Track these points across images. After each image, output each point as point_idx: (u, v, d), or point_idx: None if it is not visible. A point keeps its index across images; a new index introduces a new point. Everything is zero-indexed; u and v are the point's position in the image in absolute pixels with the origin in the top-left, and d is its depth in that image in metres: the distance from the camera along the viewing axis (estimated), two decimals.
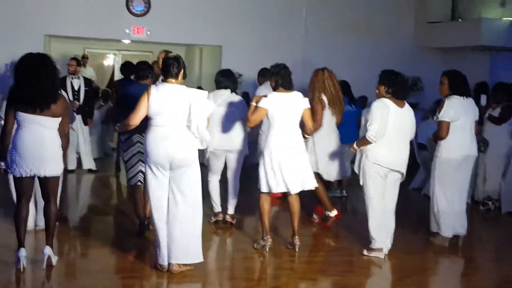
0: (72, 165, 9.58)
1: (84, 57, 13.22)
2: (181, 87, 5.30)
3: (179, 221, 5.23)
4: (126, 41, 12.91)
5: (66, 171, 7.81)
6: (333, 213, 6.92)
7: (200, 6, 12.02)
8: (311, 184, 6.14)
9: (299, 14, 12.51)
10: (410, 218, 7.13)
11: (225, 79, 6.85)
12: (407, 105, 6.05)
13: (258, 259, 5.88)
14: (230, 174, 6.90)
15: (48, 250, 5.24)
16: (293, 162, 5.98)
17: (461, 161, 6.37)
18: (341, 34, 12.50)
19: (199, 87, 12.06)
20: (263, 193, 6.02)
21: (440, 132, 6.33)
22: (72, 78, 9.48)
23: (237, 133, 6.75)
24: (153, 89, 5.27)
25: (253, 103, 6.06)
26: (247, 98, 9.28)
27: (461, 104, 6.34)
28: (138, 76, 6.59)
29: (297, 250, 5.96)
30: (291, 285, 5.30)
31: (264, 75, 8.55)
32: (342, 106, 7.11)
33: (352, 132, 7.23)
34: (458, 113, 6.31)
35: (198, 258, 5.32)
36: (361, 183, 6.01)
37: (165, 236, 5.25)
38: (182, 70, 5.37)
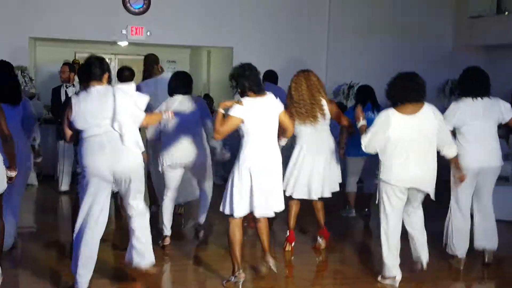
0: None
1: (75, 63, 12.80)
2: (106, 87, 5.25)
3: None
4: (123, 44, 12.54)
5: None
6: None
7: (207, 2, 11.63)
8: (280, 206, 5.86)
9: (321, 13, 12.12)
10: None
11: (178, 82, 6.74)
12: (426, 109, 5.62)
13: None
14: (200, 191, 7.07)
15: None
16: (269, 183, 5.68)
17: (477, 172, 6.09)
18: (366, 35, 12.14)
19: (207, 95, 11.81)
20: (234, 217, 5.62)
21: None
22: (66, 87, 9.17)
23: (196, 145, 6.67)
24: (74, 99, 5.31)
25: (220, 110, 5.68)
26: None
27: (472, 107, 6.04)
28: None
29: (273, 268, 5.77)
30: None
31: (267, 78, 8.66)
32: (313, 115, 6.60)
33: None
34: (466, 117, 6.03)
35: None
36: (376, 201, 5.76)
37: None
38: (107, 74, 5.38)
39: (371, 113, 8.01)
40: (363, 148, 5.73)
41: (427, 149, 5.63)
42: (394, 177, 5.63)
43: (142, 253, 5.54)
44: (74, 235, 5.33)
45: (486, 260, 6.30)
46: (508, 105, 6.25)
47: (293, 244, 6.76)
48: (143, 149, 5.41)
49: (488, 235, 6.28)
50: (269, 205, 5.69)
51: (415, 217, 5.83)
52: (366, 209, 8.44)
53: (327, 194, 6.72)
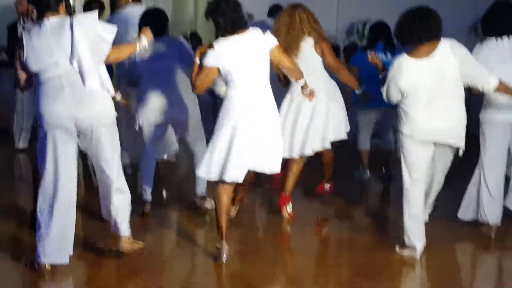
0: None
1: None
2: (62, 18, 4.70)
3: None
4: None
5: None
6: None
7: None
8: (276, 167, 5.16)
9: None
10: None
11: (148, 22, 5.85)
12: (442, 47, 5.07)
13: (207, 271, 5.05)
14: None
15: None
16: (260, 140, 5.01)
17: (510, 124, 5.59)
18: None
19: (194, 34, 11.07)
20: (223, 182, 5.03)
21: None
22: (23, 23, 8.06)
23: (177, 98, 6.00)
24: (25, 36, 4.75)
25: (196, 60, 5.07)
26: None
27: (496, 50, 5.46)
28: None
29: (223, 258, 5.04)
30: None
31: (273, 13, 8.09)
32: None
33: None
34: (490, 62, 5.36)
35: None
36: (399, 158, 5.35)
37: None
38: (64, 3, 4.77)
39: (382, 54, 7.30)
40: (385, 99, 5.24)
41: (451, 95, 5.13)
42: (416, 129, 5.13)
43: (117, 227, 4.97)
44: (38, 207, 4.78)
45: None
46: None
47: (288, 208, 6.10)
48: (112, 92, 4.79)
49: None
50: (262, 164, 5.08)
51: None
52: (384, 169, 7.63)
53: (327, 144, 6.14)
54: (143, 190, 6.15)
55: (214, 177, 5.01)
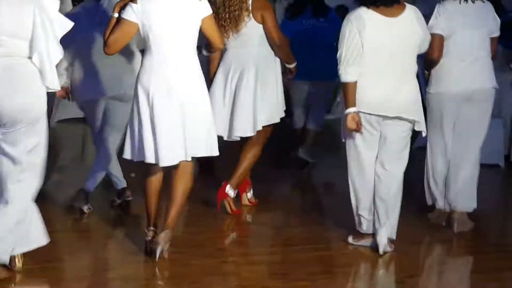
0: None
1: None
2: None
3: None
4: None
5: None
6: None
7: None
8: (213, 150, 4.75)
9: None
10: (412, 192, 5.62)
11: None
12: (408, 12, 4.75)
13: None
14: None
15: None
16: (185, 113, 4.59)
17: (464, 98, 5.24)
18: None
19: None
20: (149, 164, 4.64)
21: (430, 51, 5.10)
22: None
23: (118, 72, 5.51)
24: None
25: (114, 14, 4.60)
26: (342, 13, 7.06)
27: (460, 11, 5.22)
28: None
29: (156, 257, 4.59)
30: None
31: None
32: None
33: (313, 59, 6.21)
34: (454, 24, 5.19)
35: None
36: (342, 139, 4.95)
37: None
38: None
39: (312, 20, 6.96)
40: (343, 78, 4.73)
41: (409, 64, 4.81)
42: (365, 101, 4.73)
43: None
44: None
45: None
46: (499, 20, 5.41)
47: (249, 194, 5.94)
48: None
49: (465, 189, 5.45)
50: (190, 146, 4.61)
51: (389, 179, 4.89)
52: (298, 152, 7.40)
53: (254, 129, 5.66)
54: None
55: (149, 158, 4.56)
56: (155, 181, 4.76)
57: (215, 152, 4.77)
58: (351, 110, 4.73)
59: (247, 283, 4.54)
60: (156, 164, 4.62)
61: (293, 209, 6.13)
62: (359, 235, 5.05)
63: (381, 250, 4.86)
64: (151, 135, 4.56)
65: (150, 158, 4.58)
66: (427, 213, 5.64)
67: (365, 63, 4.71)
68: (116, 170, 5.87)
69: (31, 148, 4.24)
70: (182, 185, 4.71)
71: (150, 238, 4.74)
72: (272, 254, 5.05)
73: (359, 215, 5.00)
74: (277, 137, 6.18)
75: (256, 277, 4.64)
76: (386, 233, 4.87)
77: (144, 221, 4.87)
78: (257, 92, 5.62)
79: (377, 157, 4.90)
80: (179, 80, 4.60)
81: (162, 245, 4.62)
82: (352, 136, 4.86)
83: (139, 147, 4.62)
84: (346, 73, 4.72)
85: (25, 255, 4.40)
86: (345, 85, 4.76)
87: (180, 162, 4.64)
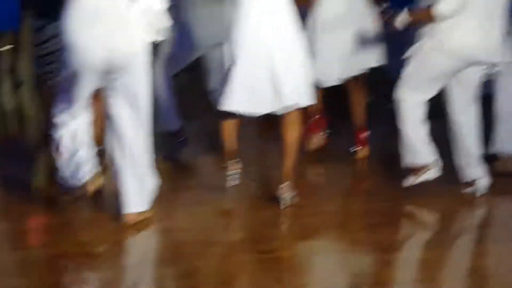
0: None
1: None
2: None
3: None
4: None
5: None
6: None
7: None
8: (307, 98, 4.75)
9: None
10: None
11: None
12: None
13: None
14: None
15: None
16: (277, 61, 4.59)
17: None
18: None
19: None
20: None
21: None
22: None
23: None
24: None
25: None
26: None
27: None
28: None
29: (284, 205, 4.76)
30: (287, 248, 4.43)
31: None
32: None
33: None
34: None
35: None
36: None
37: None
38: None
39: None
40: (443, 14, 4.51)
41: (499, 10, 4.69)
42: (469, 46, 4.64)
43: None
44: None
45: None
46: None
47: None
48: None
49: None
50: (290, 94, 4.62)
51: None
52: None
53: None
54: None
55: (244, 108, 4.63)
56: (233, 124, 4.81)
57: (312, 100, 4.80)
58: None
59: (304, 233, 4.62)
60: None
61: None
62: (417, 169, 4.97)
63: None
64: (241, 82, 4.59)
65: (238, 106, 4.62)
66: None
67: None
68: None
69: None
70: (290, 135, 4.76)
71: (235, 171, 4.86)
72: (330, 206, 5.06)
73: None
74: None
75: (313, 227, 4.70)
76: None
77: None
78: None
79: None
80: (277, 24, 4.60)
81: (286, 195, 4.75)
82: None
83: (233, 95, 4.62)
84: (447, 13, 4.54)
85: None
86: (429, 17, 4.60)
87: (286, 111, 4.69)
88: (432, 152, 4.95)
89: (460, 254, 4.47)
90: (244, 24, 4.58)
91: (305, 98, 4.73)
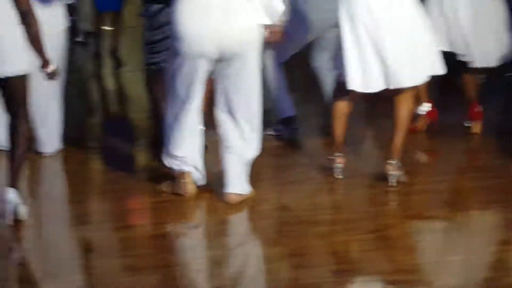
0: None
1: None
2: None
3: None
4: None
5: None
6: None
7: None
8: (436, 68, 4.68)
9: None
10: None
11: None
12: None
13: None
14: None
15: (13, 196, 4.20)
16: (397, 29, 4.52)
17: None
18: None
19: None
20: (338, 84, 4.74)
21: None
22: None
23: None
24: None
25: None
26: None
27: None
28: None
29: (390, 183, 4.68)
30: (395, 227, 4.34)
31: None
32: None
33: None
34: None
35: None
36: None
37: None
38: None
39: None
40: None
41: None
42: None
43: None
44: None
45: None
46: None
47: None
48: None
49: None
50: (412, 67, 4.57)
51: None
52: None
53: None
54: None
55: (375, 86, 4.57)
56: (345, 104, 4.77)
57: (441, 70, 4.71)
58: None
59: (411, 212, 4.53)
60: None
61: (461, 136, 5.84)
62: None
63: None
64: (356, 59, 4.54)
65: (355, 85, 4.56)
66: None
67: None
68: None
69: None
70: (404, 109, 4.71)
71: (339, 164, 4.82)
72: (440, 183, 4.95)
73: None
74: None
75: (421, 206, 4.61)
76: None
77: None
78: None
79: None
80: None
81: (395, 172, 4.68)
82: None
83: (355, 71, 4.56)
84: None
85: None
86: None
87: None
88: None
89: None
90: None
91: (420, 76, 4.68)
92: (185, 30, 4.20)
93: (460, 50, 5.32)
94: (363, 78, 4.55)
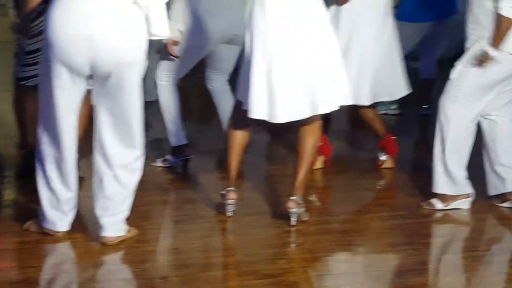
0: None
1: None
2: None
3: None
4: None
5: None
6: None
7: None
8: (345, 98, 4.65)
9: None
10: None
11: None
12: None
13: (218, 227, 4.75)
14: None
15: None
16: (306, 59, 4.46)
17: None
18: None
19: None
20: (237, 110, 4.65)
21: None
22: None
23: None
24: None
25: None
26: None
27: None
28: None
29: (292, 222, 4.55)
30: (296, 270, 4.20)
31: None
32: None
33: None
34: None
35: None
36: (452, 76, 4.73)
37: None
38: None
39: None
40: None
41: None
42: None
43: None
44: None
45: None
46: None
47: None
48: None
49: None
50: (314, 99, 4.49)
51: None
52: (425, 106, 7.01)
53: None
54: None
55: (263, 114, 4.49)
56: (243, 133, 4.68)
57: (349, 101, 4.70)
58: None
59: (313, 255, 4.42)
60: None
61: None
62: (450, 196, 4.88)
63: None
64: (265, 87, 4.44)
65: (260, 114, 4.46)
66: None
67: None
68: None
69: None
70: (309, 142, 4.63)
71: (231, 200, 4.67)
72: (345, 222, 4.91)
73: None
74: None
75: (323, 247, 4.51)
76: None
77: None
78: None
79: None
80: (303, 19, 4.47)
81: (297, 210, 4.56)
82: None
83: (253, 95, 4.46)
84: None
85: None
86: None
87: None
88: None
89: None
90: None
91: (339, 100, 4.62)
92: (54, 38, 3.96)
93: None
94: (269, 106, 4.43)
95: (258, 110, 4.43)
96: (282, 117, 4.47)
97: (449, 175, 4.80)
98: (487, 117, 4.84)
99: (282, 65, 4.41)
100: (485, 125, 4.87)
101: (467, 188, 4.89)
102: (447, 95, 4.75)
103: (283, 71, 4.42)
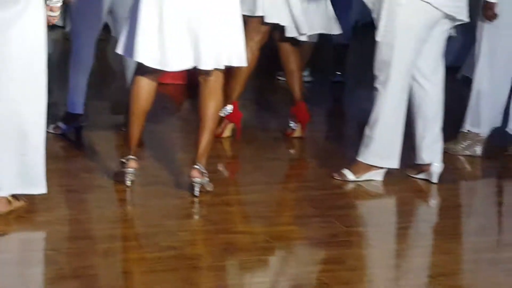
0: None
1: None
2: None
3: None
4: None
5: None
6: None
7: None
8: (238, 59, 4.55)
9: None
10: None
11: None
12: None
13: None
14: None
15: None
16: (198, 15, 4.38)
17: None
18: None
19: None
20: (139, 68, 4.53)
21: None
22: None
23: None
24: None
25: None
26: None
27: None
28: None
29: (195, 192, 4.48)
30: (201, 244, 4.21)
31: None
32: None
33: None
34: None
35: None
36: (378, 38, 4.76)
37: None
38: None
39: None
40: None
41: None
42: None
43: None
44: None
45: None
46: None
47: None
48: None
49: None
50: (214, 51, 4.42)
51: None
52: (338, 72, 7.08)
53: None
54: None
55: (150, 62, 4.42)
56: (146, 94, 4.55)
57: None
58: None
59: (217, 227, 4.31)
60: (152, 71, 4.42)
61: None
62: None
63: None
64: (156, 32, 4.36)
65: (150, 60, 4.38)
66: None
67: None
68: None
69: None
70: (211, 105, 4.54)
71: (131, 168, 4.56)
72: (253, 193, 4.83)
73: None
74: None
75: (229, 219, 4.46)
76: None
77: None
78: None
79: None
80: None
81: (201, 179, 4.48)
82: None
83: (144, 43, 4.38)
84: None
85: None
86: None
87: (210, 72, 4.45)
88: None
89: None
90: None
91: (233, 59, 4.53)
92: None
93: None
94: (160, 53, 4.36)
95: (148, 56, 4.37)
96: (173, 65, 4.41)
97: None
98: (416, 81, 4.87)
99: (173, 9, 4.33)
100: (414, 91, 4.89)
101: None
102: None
103: (173, 15, 4.34)
